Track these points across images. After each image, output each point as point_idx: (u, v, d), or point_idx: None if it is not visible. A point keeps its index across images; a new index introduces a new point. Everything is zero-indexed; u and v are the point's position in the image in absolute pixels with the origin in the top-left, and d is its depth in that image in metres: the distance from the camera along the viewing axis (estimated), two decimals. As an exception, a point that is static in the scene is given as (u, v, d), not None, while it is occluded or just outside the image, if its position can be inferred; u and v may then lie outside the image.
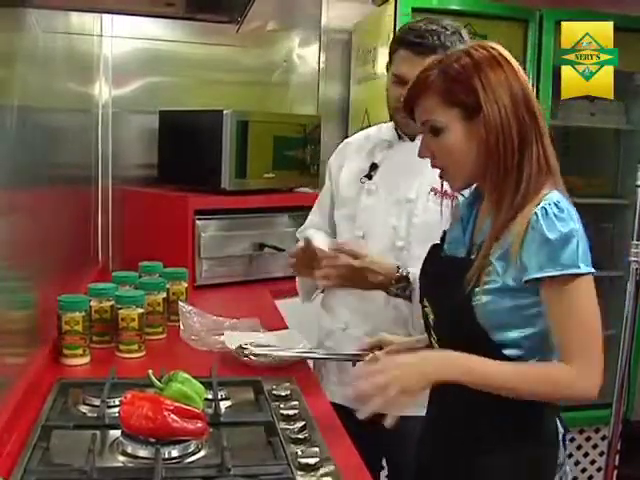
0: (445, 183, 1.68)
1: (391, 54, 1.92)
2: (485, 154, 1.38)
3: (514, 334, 1.37)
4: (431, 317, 1.49)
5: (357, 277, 1.80)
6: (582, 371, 1.31)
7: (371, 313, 1.93)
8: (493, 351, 1.36)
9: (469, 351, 1.39)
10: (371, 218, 1.95)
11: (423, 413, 1.58)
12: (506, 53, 1.42)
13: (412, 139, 1.94)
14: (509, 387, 1.33)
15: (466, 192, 1.56)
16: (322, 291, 2.09)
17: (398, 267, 1.82)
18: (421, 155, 1.47)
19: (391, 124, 2.00)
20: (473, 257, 1.42)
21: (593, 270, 1.33)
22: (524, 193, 1.36)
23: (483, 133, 1.37)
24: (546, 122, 1.43)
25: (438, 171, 1.87)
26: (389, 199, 1.94)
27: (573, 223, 1.32)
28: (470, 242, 1.48)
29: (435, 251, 1.56)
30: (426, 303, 1.51)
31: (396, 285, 1.81)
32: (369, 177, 1.98)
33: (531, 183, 1.36)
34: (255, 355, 1.77)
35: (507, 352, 1.37)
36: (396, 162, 1.96)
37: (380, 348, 1.68)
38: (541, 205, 1.33)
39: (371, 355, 1.66)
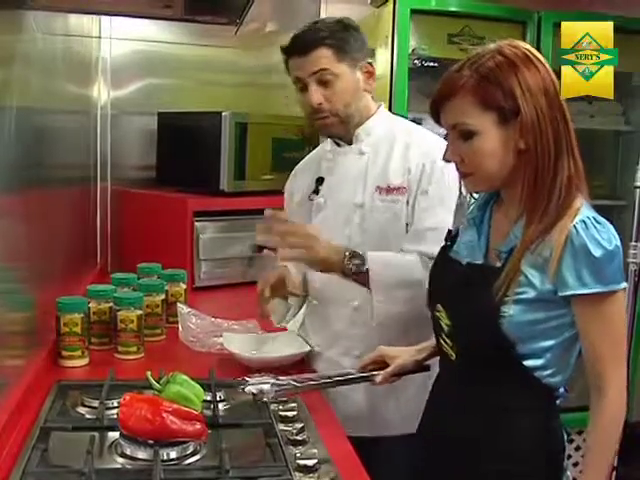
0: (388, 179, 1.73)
1: (287, 68, 1.91)
2: (520, 160, 1.34)
3: (538, 345, 1.35)
4: (445, 323, 1.45)
5: (306, 247, 1.73)
6: (616, 388, 1.34)
7: (338, 333, 1.90)
8: (515, 362, 1.35)
9: (489, 360, 1.38)
10: (324, 233, 1.87)
11: (410, 431, 1.59)
12: (537, 53, 1.37)
13: (349, 143, 1.92)
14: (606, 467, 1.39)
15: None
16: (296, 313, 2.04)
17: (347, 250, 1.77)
18: (447, 159, 1.41)
19: None
20: (499, 265, 1.37)
21: (627, 284, 1.34)
22: (558, 203, 1.32)
23: (519, 138, 1.32)
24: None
25: (380, 169, 1.85)
26: (337, 208, 1.89)
27: (615, 239, 1.30)
28: (487, 246, 1.44)
29: (444, 254, 1.52)
30: (440, 309, 1.47)
31: (351, 262, 1.74)
32: (316, 192, 1.95)
33: (563, 192, 1.33)
34: (260, 392, 1.54)
35: (528, 363, 1.36)
36: (339, 170, 1.93)
37: (383, 362, 1.66)
38: (579, 218, 1.30)
39: (381, 374, 1.64)
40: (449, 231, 1.55)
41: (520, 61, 1.33)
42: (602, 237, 1.29)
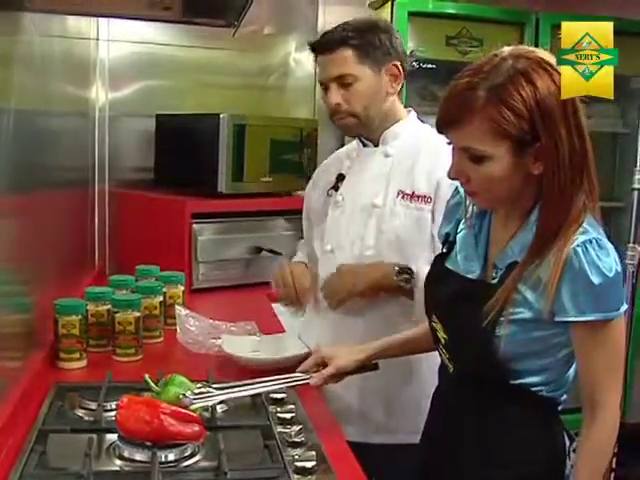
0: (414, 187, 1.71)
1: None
2: (530, 182, 1.29)
3: (536, 363, 1.33)
4: (441, 335, 1.44)
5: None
6: (610, 413, 1.32)
7: (343, 341, 1.85)
8: (509, 379, 1.34)
9: (487, 375, 1.36)
10: (338, 230, 1.90)
11: (416, 441, 1.58)
12: (552, 59, 1.28)
13: (376, 144, 1.91)
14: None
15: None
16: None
17: (395, 265, 1.79)
18: (452, 177, 1.35)
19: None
20: (494, 282, 1.34)
21: (627, 306, 1.30)
22: (569, 226, 1.27)
23: (533, 163, 1.27)
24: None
25: (405, 174, 1.83)
26: (355, 208, 1.88)
27: (616, 264, 1.26)
28: (485, 258, 1.40)
29: (440, 262, 1.48)
30: (436, 320, 1.45)
31: (399, 277, 1.76)
32: (336, 189, 1.94)
33: (576, 216, 1.28)
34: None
35: (527, 380, 1.34)
36: (361, 169, 1.91)
37: (325, 364, 1.58)
38: (581, 240, 1.25)
39: (316, 375, 1.56)
40: (446, 235, 1.51)
41: (537, 76, 1.25)
42: (603, 264, 1.24)
